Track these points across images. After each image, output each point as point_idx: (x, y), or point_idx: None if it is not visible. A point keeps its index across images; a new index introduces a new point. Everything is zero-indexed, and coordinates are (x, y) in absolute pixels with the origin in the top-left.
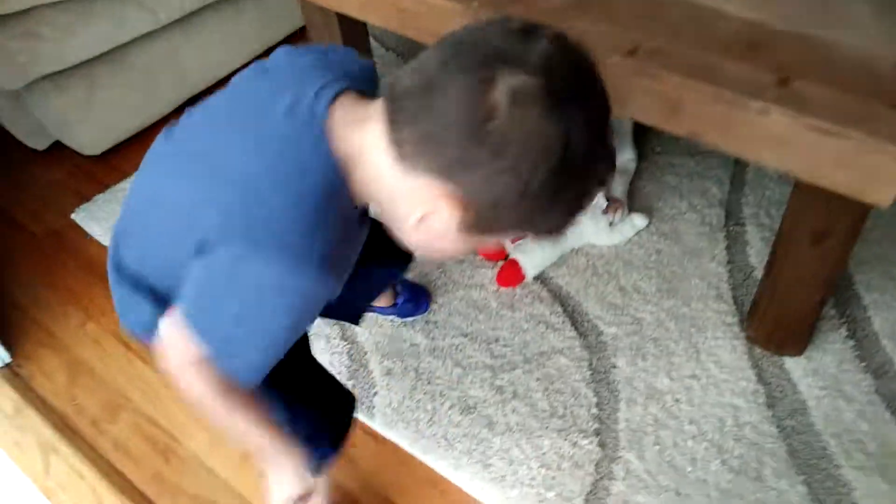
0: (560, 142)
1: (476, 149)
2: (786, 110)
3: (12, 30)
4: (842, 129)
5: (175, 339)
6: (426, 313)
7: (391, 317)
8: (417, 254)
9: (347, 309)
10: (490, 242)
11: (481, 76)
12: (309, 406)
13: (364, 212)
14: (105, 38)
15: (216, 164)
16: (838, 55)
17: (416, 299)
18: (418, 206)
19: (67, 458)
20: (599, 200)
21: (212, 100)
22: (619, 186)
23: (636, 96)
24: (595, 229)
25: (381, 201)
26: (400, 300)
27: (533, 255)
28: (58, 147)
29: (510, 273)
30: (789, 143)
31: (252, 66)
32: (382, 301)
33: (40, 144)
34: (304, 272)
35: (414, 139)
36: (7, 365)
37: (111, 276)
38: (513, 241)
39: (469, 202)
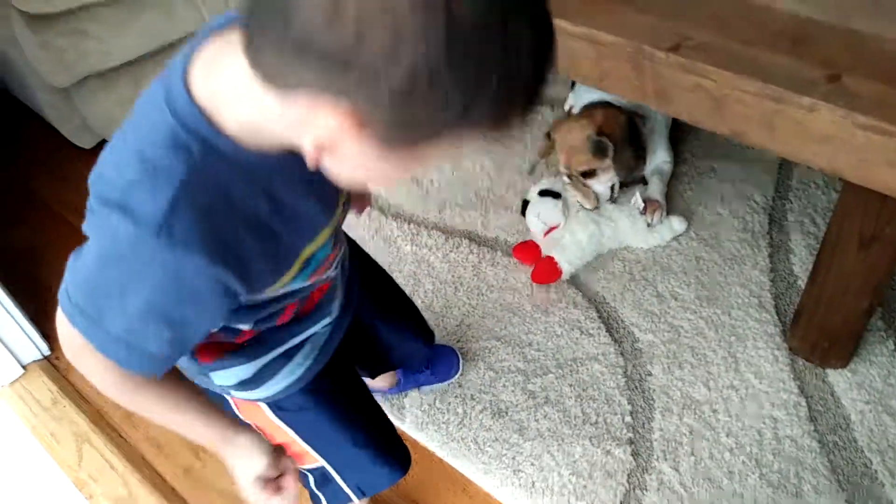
0: (440, 12)
1: (338, 45)
2: (835, 107)
3: (60, 27)
4: (894, 127)
5: (63, 324)
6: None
7: (425, 387)
8: (345, 187)
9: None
10: (419, 160)
11: None
12: (360, 446)
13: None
14: (152, 36)
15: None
16: (890, 50)
17: (446, 364)
18: (309, 133)
19: (100, 450)
20: (637, 201)
21: None
22: (655, 188)
23: (679, 92)
24: (633, 230)
25: (281, 140)
26: (426, 371)
27: (569, 253)
28: (104, 145)
29: (546, 270)
30: (838, 142)
31: None
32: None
33: (87, 143)
34: (147, 240)
35: (273, 53)
36: (45, 357)
37: None
38: (544, 235)
39: (361, 112)
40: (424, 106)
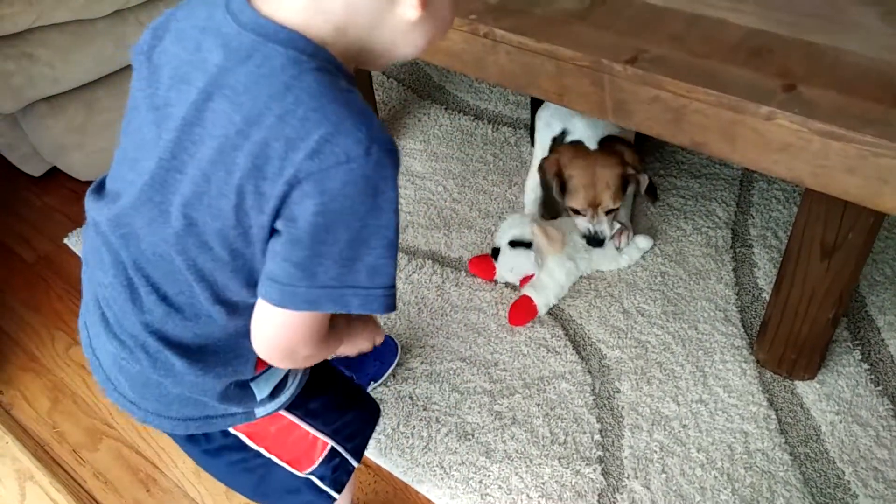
0: None
1: None
2: (792, 115)
3: (8, 51)
4: (852, 133)
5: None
6: (397, 360)
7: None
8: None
9: None
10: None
11: None
12: (346, 409)
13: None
14: (104, 61)
15: None
16: (846, 60)
17: (386, 349)
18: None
19: (45, 487)
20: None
21: None
22: (621, 211)
23: (638, 105)
24: (604, 255)
25: (381, 42)
26: (375, 363)
27: (549, 292)
28: (54, 172)
29: (523, 310)
30: (797, 150)
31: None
32: None
33: (36, 171)
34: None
35: None
36: None
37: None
38: (521, 284)
39: None
40: None
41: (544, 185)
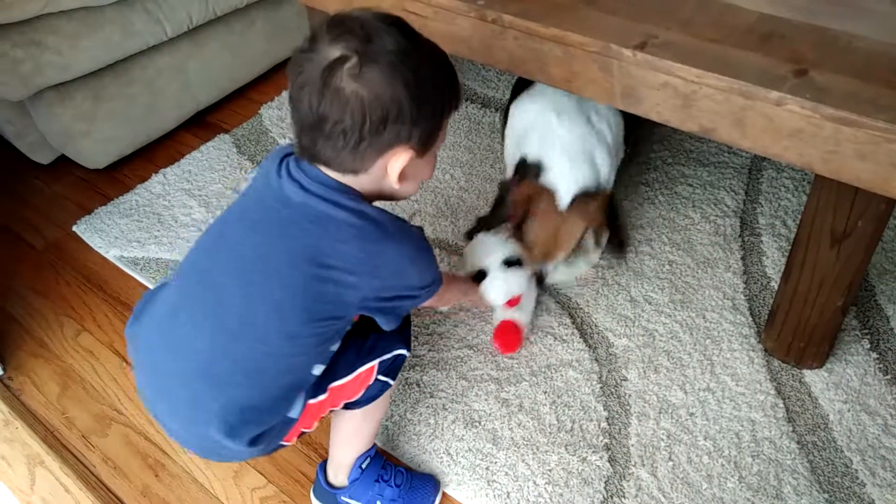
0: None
1: (371, 128)
2: (804, 101)
3: (17, 38)
4: (864, 119)
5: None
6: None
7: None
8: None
9: None
10: (437, 147)
11: (322, 83)
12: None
13: None
14: (111, 48)
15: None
16: (857, 45)
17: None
18: (390, 172)
19: (54, 472)
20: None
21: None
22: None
23: (647, 91)
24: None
25: (381, 194)
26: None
27: (529, 310)
28: (62, 160)
29: (512, 337)
30: (807, 135)
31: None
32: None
33: (45, 158)
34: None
35: (341, 157)
36: None
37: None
38: (508, 305)
39: (412, 144)
40: (426, 125)
41: (499, 200)
